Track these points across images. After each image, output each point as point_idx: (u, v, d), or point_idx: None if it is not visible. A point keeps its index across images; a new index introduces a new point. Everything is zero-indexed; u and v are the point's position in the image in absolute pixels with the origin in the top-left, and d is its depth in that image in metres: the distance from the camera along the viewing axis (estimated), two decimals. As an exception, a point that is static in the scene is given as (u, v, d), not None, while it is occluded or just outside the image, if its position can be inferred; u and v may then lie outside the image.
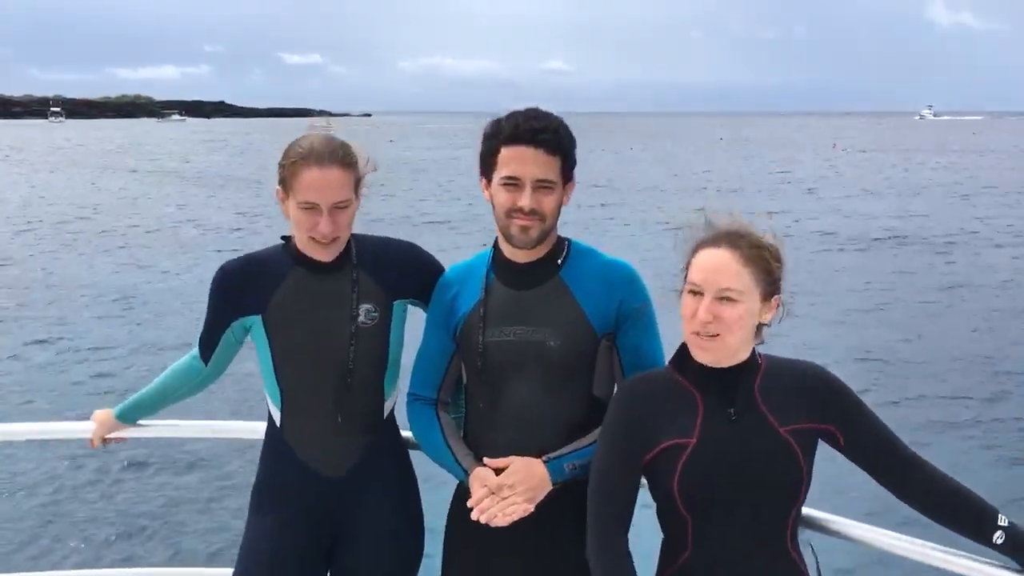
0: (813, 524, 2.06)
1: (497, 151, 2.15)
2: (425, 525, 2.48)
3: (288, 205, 2.25)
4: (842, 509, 2.13)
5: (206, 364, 2.44)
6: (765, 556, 1.86)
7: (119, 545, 6.85)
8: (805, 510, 1.96)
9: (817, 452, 1.92)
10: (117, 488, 7.82)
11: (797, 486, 1.85)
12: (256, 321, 2.33)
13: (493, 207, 2.20)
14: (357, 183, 2.29)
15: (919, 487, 1.86)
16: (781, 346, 1.96)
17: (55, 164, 55.17)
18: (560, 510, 2.11)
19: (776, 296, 1.91)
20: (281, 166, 2.25)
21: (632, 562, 1.89)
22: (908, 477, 1.86)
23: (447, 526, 2.34)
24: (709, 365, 1.89)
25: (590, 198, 31.30)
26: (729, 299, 1.83)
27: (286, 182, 2.23)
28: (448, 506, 2.34)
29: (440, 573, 2.33)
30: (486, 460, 2.15)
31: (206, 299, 2.39)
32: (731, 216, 1.94)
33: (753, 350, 1.93)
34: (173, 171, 49.85)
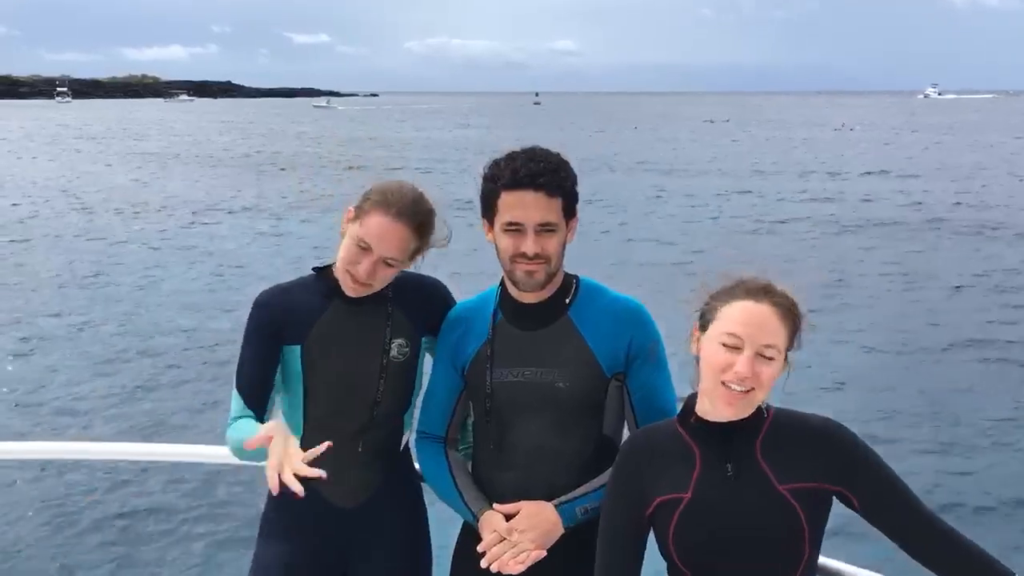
0: (828, 574, 2.00)
1: (497, 196, 2.10)
2: (433, 555, 2.44)
3: (349, 229, 2.24)
4: (861, 556, 2.07)
5: (262, 416, 2.25)
6: None
7: (122, 573, 6.75)
8: (821, 559, 1.90)
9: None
10: (118, 512, 7.64)
11: (797, 546, 1.79)
12: (294, 351, 2.30)
13: (497, 251, 2.16)
14: (416, 252, 2.27)
15: (937, 550, 1.79)
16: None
17: (71, 148, 54.61)
18: (568, 552, 2.08)
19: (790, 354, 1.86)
20: (364, 196, 2.25)
21: None
22: (925, 540, 1.80)
23: (452, 564, 2.31)
24: (712, 420, 1.85)
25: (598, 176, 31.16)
26: (767, 356, 1.78)
27: (360, 211, 2.23)
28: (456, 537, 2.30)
29: None
30: (495, 506, 2.12)
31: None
32: (756, 271, 1.89)
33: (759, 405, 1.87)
34: (184, 153, 49.76)
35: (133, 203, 27.64)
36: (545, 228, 2.09)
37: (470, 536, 2.18)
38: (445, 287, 2.43)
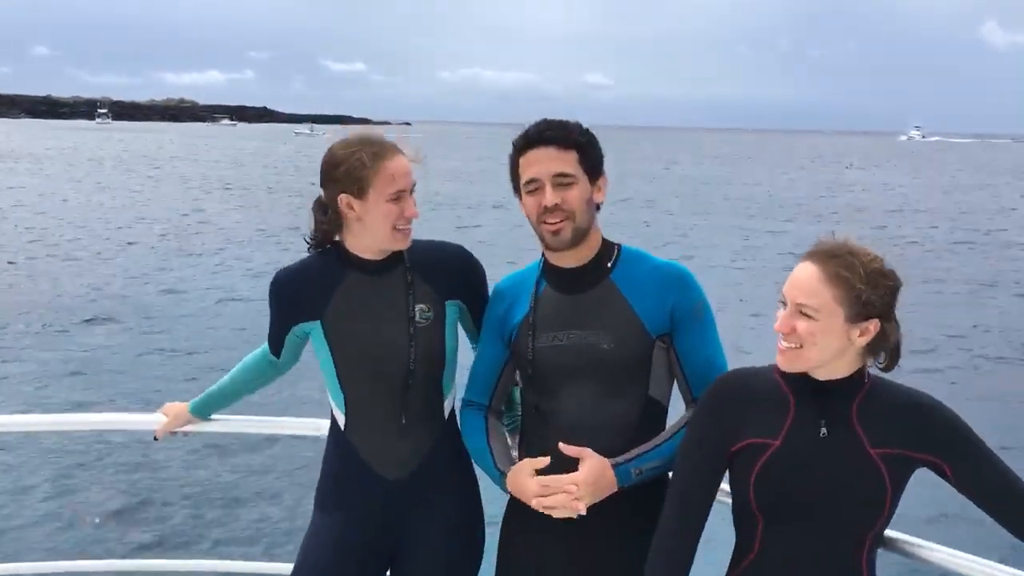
0: (895, 546, 1.99)
1: (517, 164, 2.20)
2: (486, 517, 2.45)
3: (363, 209, 2.25)
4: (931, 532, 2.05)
5: (278, 357, 2.48)
6: (831, 570, 1.83)
7: (178, 536, 6.85)
8: (888, 532, 1.91)
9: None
10: (179, 478, 7.79)
11: (877, 509, 1.81)
12: (315, 327, 2.34)
13: (529, 220, 2.22)
14: None
15: None
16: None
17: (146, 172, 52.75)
18: (620, 509, 2.10)
19: (873, 321, 1.82)
20: (348, 173, 2.23)
21: (687, 571, 1.89)
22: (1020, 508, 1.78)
23: (501, 532, 2.33)
24: (812, 376, 1.86)
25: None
26: (805, 314, 1.81)
27: (363, 184, 2.23)
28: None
29: (496, 559, 2.33)
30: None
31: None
32: (847, 236, 1.89)
33: (862, 369, 1.87)
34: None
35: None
36: (561, 179, 2.14)
37: (518, 504, 2.19)
38: (465, 249, 2.45)
